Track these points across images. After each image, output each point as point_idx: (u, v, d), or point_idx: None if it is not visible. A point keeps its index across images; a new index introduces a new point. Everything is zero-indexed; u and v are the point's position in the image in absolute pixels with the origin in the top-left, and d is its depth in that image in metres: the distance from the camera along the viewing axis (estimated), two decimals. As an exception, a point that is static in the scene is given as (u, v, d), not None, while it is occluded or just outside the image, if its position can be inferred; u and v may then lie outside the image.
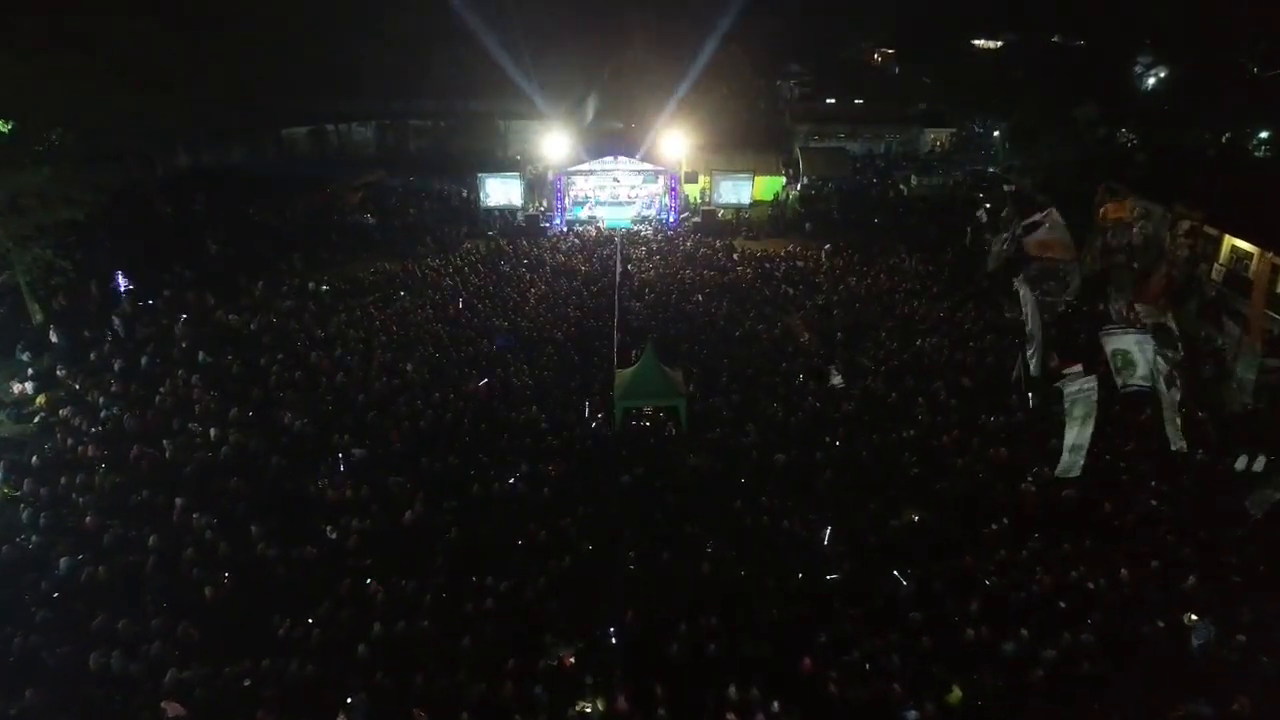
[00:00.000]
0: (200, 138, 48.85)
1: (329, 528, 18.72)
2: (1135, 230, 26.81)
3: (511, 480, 20.58)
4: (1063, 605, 16.60)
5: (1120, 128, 52.70)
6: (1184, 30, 79.19)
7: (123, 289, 30.89)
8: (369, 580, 17.29)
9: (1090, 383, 19.41)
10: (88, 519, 18.94)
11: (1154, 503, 19.72)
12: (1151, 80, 68.91)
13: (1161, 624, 16.20)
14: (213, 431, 22.49)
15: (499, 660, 15.18)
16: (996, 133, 55.92)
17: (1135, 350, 19.48)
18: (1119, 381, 19.41)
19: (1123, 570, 17.30)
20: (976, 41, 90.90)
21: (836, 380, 24.86)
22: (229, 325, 29.18)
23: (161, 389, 24.67)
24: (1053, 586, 17.02)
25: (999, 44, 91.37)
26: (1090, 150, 46.77)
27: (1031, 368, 24.02)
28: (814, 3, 76.09)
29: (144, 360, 26.48)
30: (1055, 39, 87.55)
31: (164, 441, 22.01)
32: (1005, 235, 32.08)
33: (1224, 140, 48.79)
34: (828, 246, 37.79)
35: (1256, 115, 50.64)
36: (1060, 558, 17.85)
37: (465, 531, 18.71)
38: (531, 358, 26.84)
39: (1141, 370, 19.96)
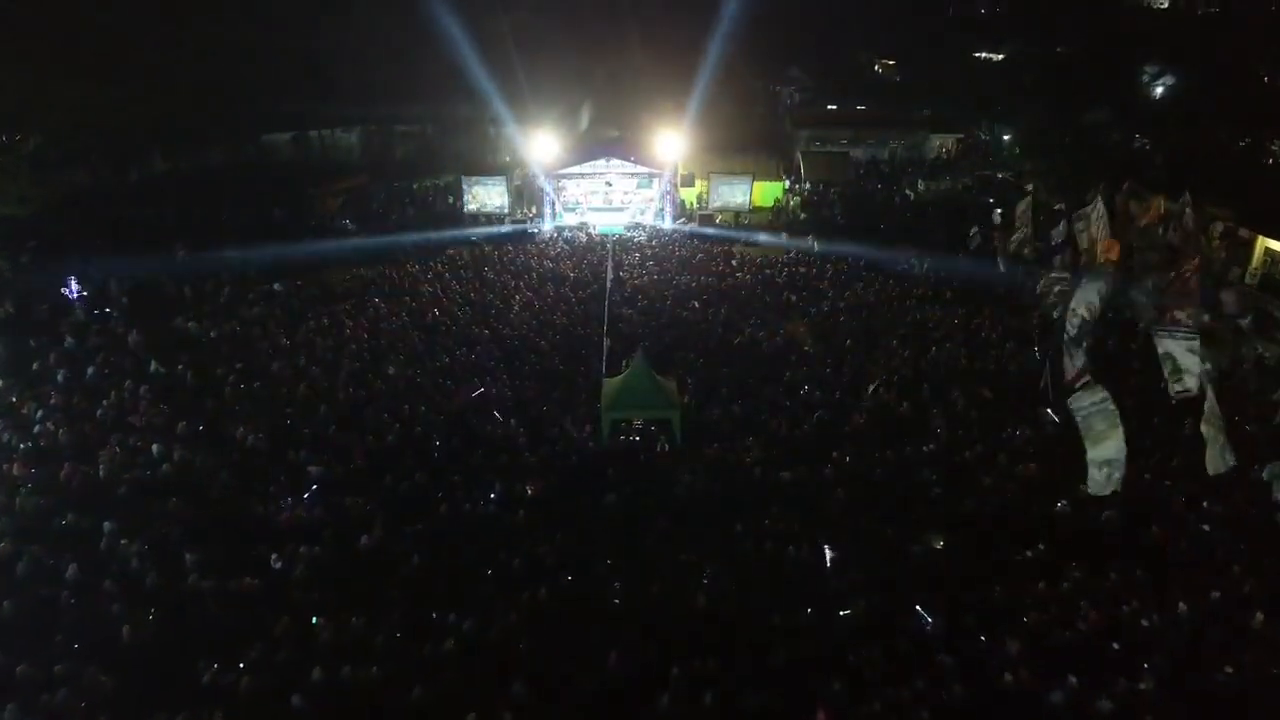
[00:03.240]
0: (177, 142, 46.82)
1: (274, 555, 16.45)
2: (1175, 224, 24.82)
3: (483, 501, 18.33)
4: (1115, 646, 14.32)
5: (1134, 132, 50.78)
6: (1192, 40, 78.52)
7: (75, 295, 28.71)
8: (314, 617, 15.01)
9: (1102, 393, 17.42)
10: (1, 545, 16.67)
11: (1206, 527, 17.46)
12: (1160, 89, 67.35)
13: (1230, 669, 13.91)
14: (156, 447, 20.24)
15: (457, 713, 12.87)
16: (1007, 137, 54.01)
17: (1181, 356, 17.35)
18: (1173, 388, 17.23)
19: (1181, 605, 15.03)
20: (978, 54, 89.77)
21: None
22: (187, 333, 27.04)
23: (105, 401, 22.48)
24: (1102, 623, 14.74)
25: (1001, 57, 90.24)
26: (1104, 154, 44.81)
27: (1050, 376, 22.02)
28: (813, 10, 74.66)
29: (90, 370, 24.30)
30: (1059, 50, 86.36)
31: (100, 458, 19.82)
32: (1018, 236, 30.33)
33: (1242, 144, 46.81)
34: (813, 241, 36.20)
35: (1272, 121, 49.01)
36: (1108, 590, 15.58)
37: (428, 559, 16.46)
38: (513, 367, 24.69)
39: (1189, 381, 17.93)
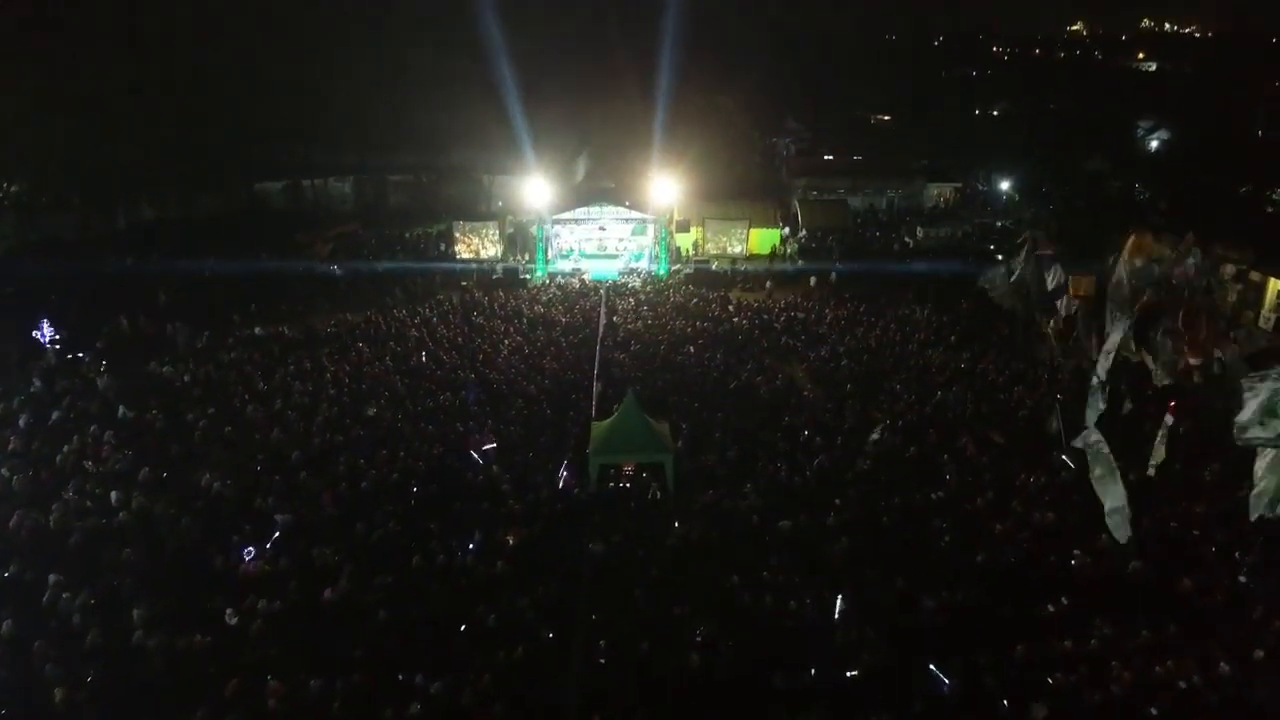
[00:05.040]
0: (167, 190, 46.34)
1: (228, 610, 15.09)
2: (1188, 264, 23.81)
3: (460, 552, 17.02)
4: (1153, 711, 12.93)
5: (1134, 182, 50.61)
6: (1183, 99, 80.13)
7: (47, 339, 27.67)
8: (268, 677, 13.61)
9: (1095, 436, 16.69)
10: (-65, 599, 15.37)
11: (1241, 579, 16.15)
12: (1154, 142, 67.78)
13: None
14: (114, 494, 18.99)
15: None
16: (1005, 184, 53.71)
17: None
18: (1262, 434, 15.69)
19: (1222, 664, 13.67)
20: (974, 110, 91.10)
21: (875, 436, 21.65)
22: (161, 377, 25.97)
23: (66, 446, 21.29)
24: (1136, 685, 13.36)
25: (995, 113, 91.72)
26: (1104, 201, 44.50)
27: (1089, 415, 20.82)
28: (810, 66, 75.72)
29: (55, 415, 23.19)
30: (1051, 106, 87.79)
31: (54, 506, 18.56)
32: (1013, 273, 29.45)
33: (1243, 191, 46.62)
34: (814, 279, 36.57)
35: (1267, 172, 49.24)
36: (1140, 647, 14.23)
37: (397, 614, 15.11)
38: (498, 412, 23.56)
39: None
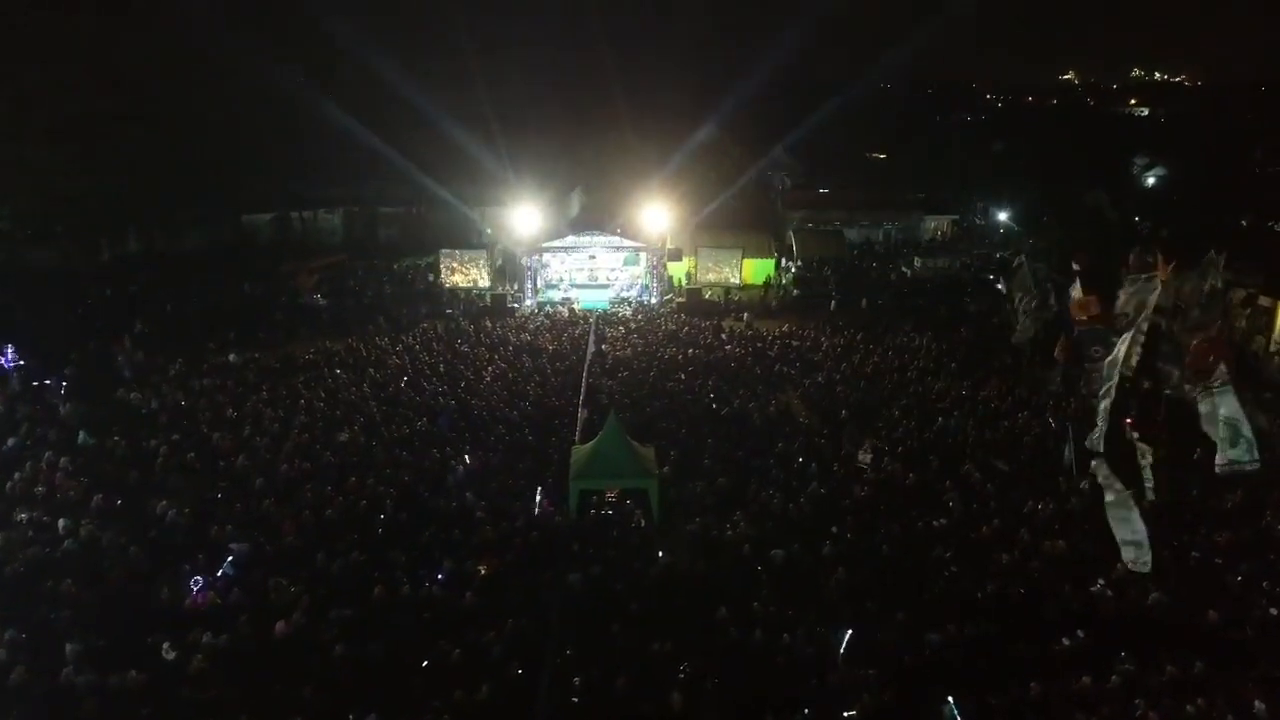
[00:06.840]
0: (153, 222, 45.63)
1: (165, 645, 13.81)
2: (1206, 280, 22.99)
3: (427, 582, 15.78)
4: (1185, 756, 11.67)
5: (1134, 215, 50.19)
6: (1177, 139, 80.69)
7: (10, 364, 26.64)
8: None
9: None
10: None
11: (1273, 611, 14.92)
12: (1151, 179, 67.63)
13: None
14: (62, 522, 17.79)
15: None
16: (1003, 216, 53.17)
17: (1241, 420, 14.94)
18: (1222, 459, 14.77)
19: (1257, 703, 12.41)
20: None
21: (865, 459, 20.56)
22: (127, 403, 24.87)
23: (18, 473, 20.13)
24: (1164, 727, 12.11)
25: (992, 152, 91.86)
26: (1105, 231, 43.96)
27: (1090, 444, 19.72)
28: (805, 104, 75.91)
29: (11, 441, 22.05)
30: (1047, 145, 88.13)
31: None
32: (1027, 304, 28.58)
33: (1243, 224, 46.19)
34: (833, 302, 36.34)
35: (1266, 205, 48.98)
36: (1166, 685, 12.97)
37: (353, 650, 13.84)
38: (478, 438, 22.42)
39: (1241, 450, 15.55)
